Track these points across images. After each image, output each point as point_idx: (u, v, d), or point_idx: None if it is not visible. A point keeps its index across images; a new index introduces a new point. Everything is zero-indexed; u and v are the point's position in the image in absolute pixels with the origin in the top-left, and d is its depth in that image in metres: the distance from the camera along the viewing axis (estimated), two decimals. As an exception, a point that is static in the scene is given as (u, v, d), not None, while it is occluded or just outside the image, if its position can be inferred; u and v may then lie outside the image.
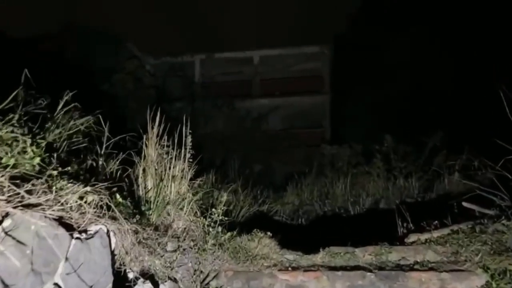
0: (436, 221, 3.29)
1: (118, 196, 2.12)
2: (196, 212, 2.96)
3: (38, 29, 16.24)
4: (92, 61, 13.94)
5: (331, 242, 3.18)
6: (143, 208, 2.48)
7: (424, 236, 3.07)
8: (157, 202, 2.64)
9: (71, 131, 2.34)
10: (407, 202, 6.87)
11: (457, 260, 2.70)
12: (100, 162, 2.55)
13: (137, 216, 2.21)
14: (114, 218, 1.85)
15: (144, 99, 13.41)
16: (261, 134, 14.92)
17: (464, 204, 3.28)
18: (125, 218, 1.98)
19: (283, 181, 11.01)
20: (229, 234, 3.01)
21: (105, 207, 1.82)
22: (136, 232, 2.00)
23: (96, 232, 1.70)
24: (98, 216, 1.76)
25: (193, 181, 3.26)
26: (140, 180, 2.81)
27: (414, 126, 13.63)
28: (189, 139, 3.20)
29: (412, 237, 3.10)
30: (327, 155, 11.03)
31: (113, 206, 1.85)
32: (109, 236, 1.78)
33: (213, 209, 2.91)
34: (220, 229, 2.97)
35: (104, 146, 2.63)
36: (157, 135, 3.17)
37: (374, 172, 8.59)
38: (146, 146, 3.01)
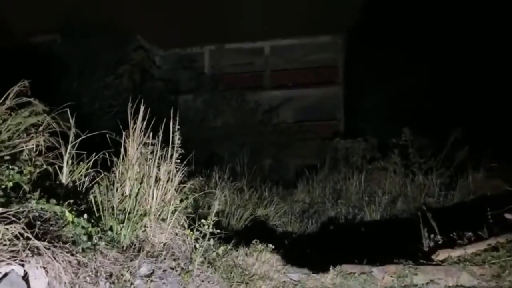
0: (470, 233, 2.77)
1: (67, 213, 1.69)
2: (183, 223, 2.51)
3: (45, 23, 15.93)
4: (99, 54, 13.62)
5: (343, 257, 2.70)
6: (111, 224, 2.04)
7: (456, 253, 2.56)
8: (132, 213, 2.20)
9: (17, 130, 1.92)
10: (429, 203, 6.32)
11: (500, 286, 2.19)
12: (65, 167, 2.11)
13: (94, 239, 1.77)
14: (47, 249, 1.42)
15: (151, 91, 13.06)
16: (272, 127, 14.42)
17: (507, 216, 2.75)
18: (71, 244, 1.55)
19: (294, 176, 10.50)
20: (222, 248, 2.55)
21: (21, 238, 1.37)
22: (79, 264, 1.56)
23: (4, 276, 1.26)
24: (12, 252, 1.32)
25: (183, 185, 2.80)
26: (116, 186, 2.37)
27: (433, 119, 12.94)
28: (177, 136, 2.73)
29: (442, 254, 2.59)
30: (341, 150, 10.46)
31: (32, 236, 1.40)
32: (27, 280, 1.33)
33: (202, 220, 2.45)
34: (212, 242, 2.51)
35: (69, 146, 2.18)
36: (141, 132, 2.72)
37: (391, 167, 8.02)
38: (126, 145, 2.57)
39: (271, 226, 4.89)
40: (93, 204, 2.05)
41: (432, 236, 2.97)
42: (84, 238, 1.69)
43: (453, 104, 13.43)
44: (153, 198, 2.43)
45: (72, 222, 1.68)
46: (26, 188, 1.70)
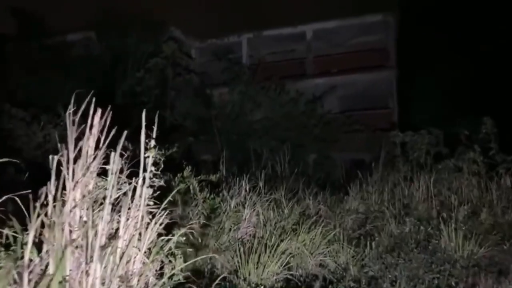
0: None
1: None
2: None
3: (78, 18, 15.65)
4: (132, 49, 13.03)
5: None
6: None
7: None
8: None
9: None
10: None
11: None
12: None
13: None
14: None
15: (184, 86, 12.21)
16: (317, 119, 13.04)
17: None
18: None
19: (343, 174, 9.06)
20: None
21: None
22: None
23: None
24: None
25: (168, 235, 1.68)
26: (24, 262, 1.30)
27: (506, 107, 10.97)
28: (153, 153, 1.60)
29: None
30: (398, 144, 8.87)
31: None
32: None
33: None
34: None
35: None
36: (98, 148, 1.63)
37: (468, 168, 6.43)
38: (59, 175, 1.48)
39: (317, 261, 3.67)
40: None
41: None
42: None
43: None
44: (93, 278, 1.32)
45: None
46: None
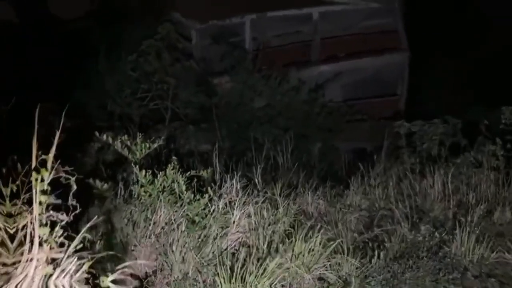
0: None
1: None
2: None
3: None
4: (129, 33, 12.36)
5: None
6: None
7: None
8: None
9: None
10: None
11: None
12: None
13: None
14: None
15: (184, 72, 11.52)
16: (320, 107, 12.40)
17: None
18: None
19: (345, 166, 8.49)
20: None
21: None
22: None
23: None
24: None
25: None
26: None
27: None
28: (44, 174, 1.06)
29: None
30: (404, 135, 8.16)
31: None
32: None
33: None
34: None
35: None
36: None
37: (488, 162, 5.82)
38: None
39: (316, 274, 3.15)
40: None
41: None
42: None
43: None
44: None
45: None
46: None
